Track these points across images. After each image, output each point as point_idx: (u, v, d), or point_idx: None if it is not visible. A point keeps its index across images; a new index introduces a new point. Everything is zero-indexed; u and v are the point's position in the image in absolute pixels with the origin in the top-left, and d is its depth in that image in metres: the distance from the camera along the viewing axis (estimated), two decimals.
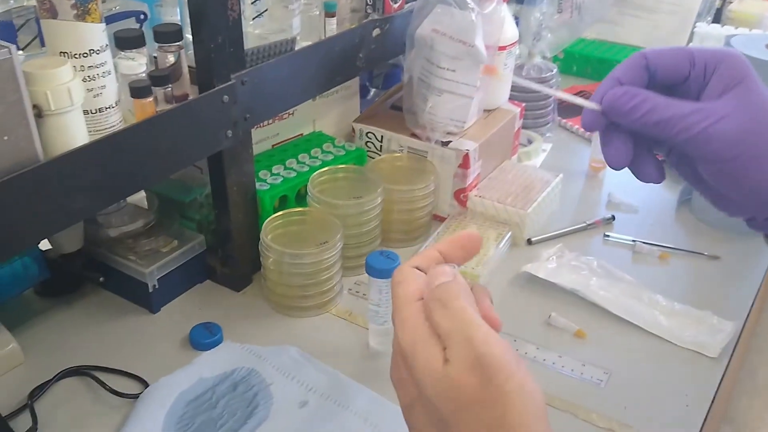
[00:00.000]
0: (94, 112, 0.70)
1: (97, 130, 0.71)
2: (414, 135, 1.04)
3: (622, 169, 0.48)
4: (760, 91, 0.44)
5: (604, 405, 0.76)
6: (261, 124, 0.97)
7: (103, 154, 0.68)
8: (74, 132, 0.67)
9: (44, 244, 0.86)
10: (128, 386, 0.76)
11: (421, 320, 0.39)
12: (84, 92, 0.67)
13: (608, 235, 1.03)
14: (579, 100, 0.49)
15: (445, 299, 0.38)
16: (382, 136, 1.06)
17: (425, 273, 0.42)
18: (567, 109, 1.38)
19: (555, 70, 1.28)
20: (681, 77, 0.47)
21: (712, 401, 0.77)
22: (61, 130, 0.66)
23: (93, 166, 0.67)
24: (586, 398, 0.77)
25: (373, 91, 1.23)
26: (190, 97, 0.78)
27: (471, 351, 0.36)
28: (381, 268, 0.76)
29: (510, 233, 1.00)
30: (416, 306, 0.40)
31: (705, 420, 0.75)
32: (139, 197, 0.84)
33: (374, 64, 1.06)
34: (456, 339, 0.37)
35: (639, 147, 0.49)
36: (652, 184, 0.50)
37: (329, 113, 1.08)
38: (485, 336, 0.37)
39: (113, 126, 0.72)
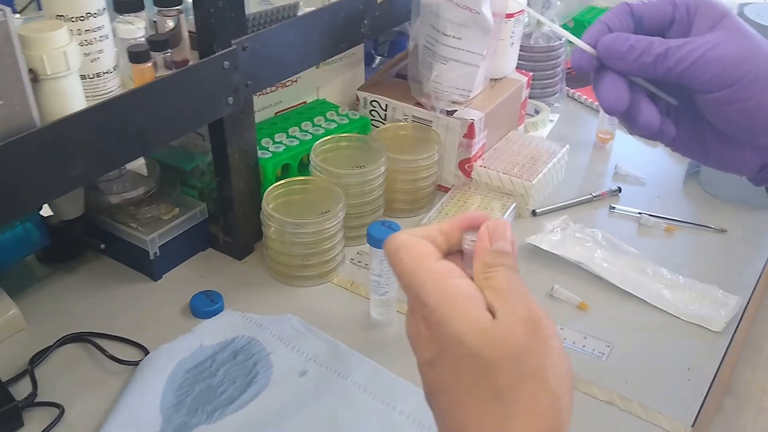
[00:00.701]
0: (91, 76, 0.69)
1: (94, 96, 0.70)
2: (419, 104, 1.02)
3: (619, 112, 0.46)
4: (743, 24, 0.46)
5: (605, 378, 0.75)
6: (264, 92, 0.95)
7: (100, 119, 0.67)
8: (71, 97, 0.66)
9: (46, 210, 0.86)
10: (128, 353, 0.76)
11: (446, 276, 0.39)
12: (81, 56, 0.66)
13: (614, 207, 1.02)
14: (574, 39, 0.48)
15: (512, 266, 0.40)
16: (386, 105, 1.04)
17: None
18: (575, 80, 1.35)
19: (564, 39, 1.26)
20: (666, 21, 0.48)
21: (714, 376, 0.77)
22: (58, 95, 0.65)
23: (90, 132, 0.66)
24: (588, 371, 0.76)
25: (378, 58, 1.22)
26: (190, 63, 0.76)
27: (524, 307, 0.37)
28: (382, 239, 0.75)
29: (514, 204, 0.99)
30: (438, 264, 0.40)
31: (706, 395, 0.75)
32: (139, 164, 0.83)
33: (379, 32, 1.04)
34: (512, 297, 0.38)
35: (634, 93, 0.48)
36: (659, 136, 0.48)
37: (333, 81, 1.06)
38: (536, 305, 0.38)
39: (111, 91, 0.71)
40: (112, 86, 0.71)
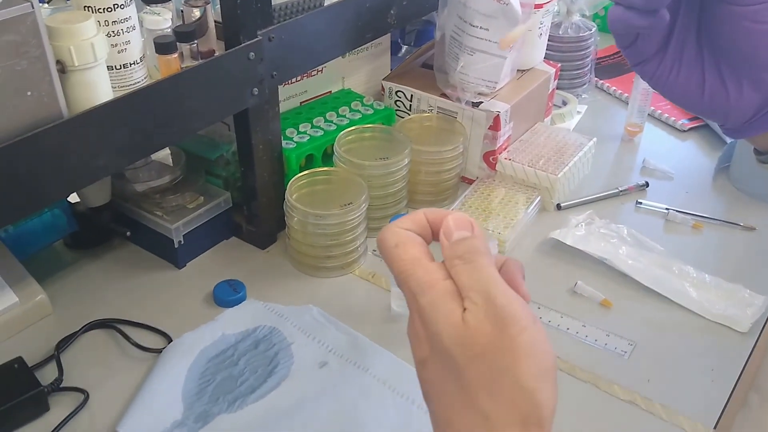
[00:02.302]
0: (118, 68, 0.70)
1: (121, 87, 0.70)
2: (444, 95, 1.01)
3: None
4: None
5: (627, 377, 0.75)
6: (289, 81, 0.95)
7: (127, 110, 0.67)
8: (98, 88, 0.67)
9: (73, 197, 0.87)
10: (152, 340, 0.77)
11: (437, 277, 0.39)
12: (108, 48, 0.66)
13: (641, 203, 1.01)
14: None
15: (468, 256, 0.39)
16: (411, 95, 1.04)
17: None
18: (605, 70, 1.33)
19: (594, 29, 1.24)
20: None
21: (738, 378, 0.76)
22: (85, 86, 0.66)
23: (117, 122, 0.67)
24: (609, 369, 0.76)
25: (404, 48, 1.21)
26: (216, 53, 0.76)
27: (490, 303, 0.37)
28: None
29: (539, 198, 0.98)
30: (431, 266, 0.40)
31: (729, 397, 0.74)
32: (164, 154, 0.84)
33: (406, 21, 1.03)
34: (476, 292, 0.38)
35: None
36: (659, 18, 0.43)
37: (359, 70, 1.06)
38: (504, 291, 0.38)
39: (138, 82, 0.72)
40: (139, 77, 0.72)
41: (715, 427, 0.70)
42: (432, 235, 0.42)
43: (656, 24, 0.42)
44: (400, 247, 0.41)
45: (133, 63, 0.71)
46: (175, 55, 0.73)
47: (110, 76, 0.69)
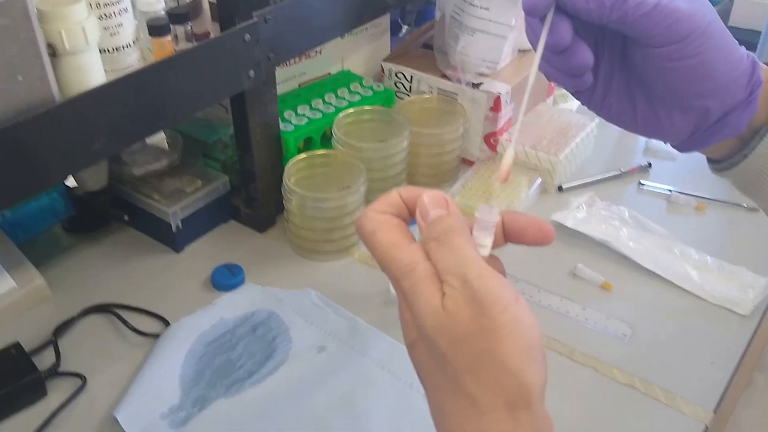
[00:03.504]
0: (111, 51, 0.69)
1: (114, 70, 0.70)
2: (444, 76, 1.00)
3: (564, 46, 0.43)
4: None
5: (626, 360, 0.74)
6: (286, 63, 0.94)
7: (120, 94, 0.67)
8: (90, 72, 0.66)
9: (71, 181, 0.87)
10: (150, 325, 0.77)
11: (417, 260, 0.38)
12: (100, 31, 0.65)
13: (643, 184, 1.00)
14: None
15: (443, 237, 0.38)
16: (411, 77, 1.03)
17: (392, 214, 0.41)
18: None
19: None
20: None
21: (740, 361, 0.75)
22: (77, 70, 0.65)
23: (110, 106, 0.66)
24: (609, 353, 0.75)
25: (405, 28, 1.19)
26: (211, 35, 0.75)
27: (467, 287, 0.36)
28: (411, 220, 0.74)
29: (540, 179, 0.97)
30: (410, 249, 0.39)
31: (730, 381, 0.73)
32: (159, 138, 0.83)
33: (406, 1, 1.02)
34: (452, 275, 0.37)
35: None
36: (582, 81, 0.45)
37: (358, 51, 1.05)
38: (480, 271, 0.37)
39: (131, 66, 0.71)
40: (132, 60, 0.71)
41: (715, 411, 0.70)
42: (409, 213, 0.41)
43: (581, 85, 0.45)
44: (378, 233, 0.40)
45: (126, 46, 0.70)
46: (169, 38, 0.72)
47: (103, 60, 0.68)
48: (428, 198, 0.40)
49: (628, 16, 0.40)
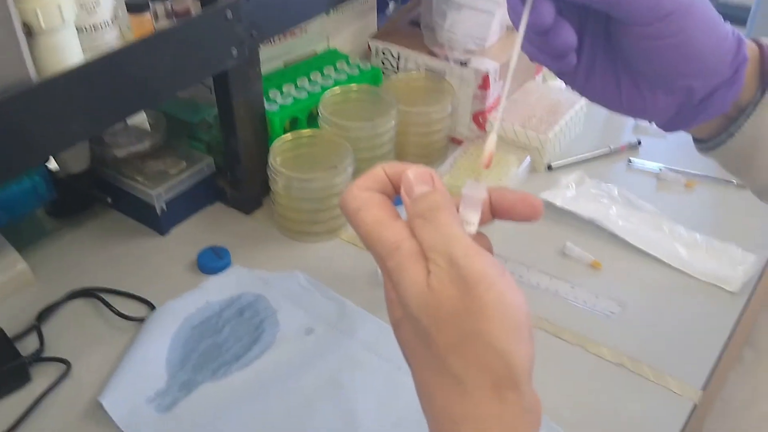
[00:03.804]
0: (88, 29, 0.68)
1: (92, 49, 0.68)
2: (432, 53, 0.99)
3: (546, 27, 0.41)
4: None
5: (615, 339, 0.74)
6: (271, 42, 0.93)
7: (99, 74, 0.65)
8: (67, 51, 0.65)
9: (53, 164, 0.85)
10: (135, 309, 0.76)
11: (402, 237, 0.38)
12: (76, 9, 0.64)
13: (632, 161, 0.99)
14: None
15: (428, 214, 0.38)
16: (398, 54, 1.01)
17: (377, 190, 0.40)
18: None
19: None
20: None
21: (728, 338, 0.75)
22: (54, 50, 0.64)
23: (88, 86, 0.65)
24: (598, 331, 0.75)
25: (392, 4, 1.17)
26: (192, 13, 0.74)
27: (453, 265, 0.36)
28: (396, 196, 0.73)
29: (529, 158, 0.96)
30: (395, 226, 0.38)
31: (719, 358, 0.73)
32: (141, 119, 0.82)
33: None
34: (438, 253, 0.36)
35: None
36: (565, 62, 0.44)
37: (344, 29, 1.03)
38: (466, 249, 0.36)
39: (109, 44, 0.69)
40: (110, 39, 0.69)
41: (704, 388, 0.70)
42: (394, 189, 0.40)
43: (564, 66, 0.44)
44: (362, 211, 0.39)
45: (104, 24, 0.68)
46: (148, 15, 0.70)
47: (80, 39, 0.66)
48: (413, 174, 0.39)
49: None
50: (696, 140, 0.50)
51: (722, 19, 0.43)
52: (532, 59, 0.44)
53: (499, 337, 0.35)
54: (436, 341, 0.36)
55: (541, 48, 0.43)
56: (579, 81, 0.46)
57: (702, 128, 0.48)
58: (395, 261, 0.37)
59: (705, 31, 0.41)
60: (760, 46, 0.45)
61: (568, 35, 0.42)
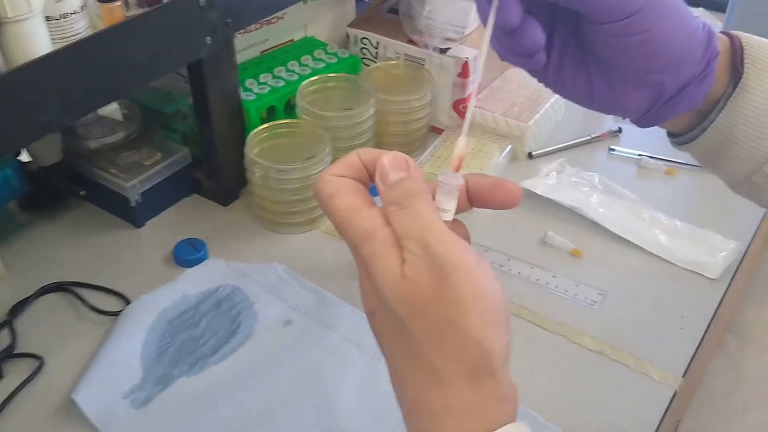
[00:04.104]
0: (57, 18, 0.66)
1: (61, 38, 0.66)
2: (411, 41, 0.98)
3: (512, 26, 0.40)
4: None
5: (596, 327, 0.74)
6: (247, 29, 0.91)
7: (68, 63, 0.64)
8: (36, 40, 0.63)
9: (25, 156, 0.83)
10: (109, 303, 0.75)
11: (376, 225, 0.37)
12: None
13: (613, 149, 0.99)
14: None
15: (403, 201, 0.37)
16: (377, 43, 1.00)
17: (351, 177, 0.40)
18: None
19: None
20: None
21: (709, 325, 0.75)
22: (22, 39, 0.62)
23: (57, 76, 0.63)
24: (579, 320, 0.74)
25: None
26: (164, 0, 0.72)
27: (427, 253, 0.35)
28: (372, 185, 0.72)
29: (510, 146, 0.95)
30: (369, 214, 0.38)
31: (699, 345, 0.73)
32: (112, 109, 0.80)
33: None
34: (412, 241, 0.36)
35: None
36: (534, 60, 0.43)
37: (322, 17, 1.02)
38: (441, 237, 0.35)
39: (79, 33, 0.67)
40: (80, 27, 0.68)
41: (684, 375, 0.70)
42: (370, 177, 0.40)
43: (533, 65, 0.43)
44: (336, 197, 0.38)
45: (73, 12, 0.67)
46: (119, 3, 0.69)
47: (49, 27, 0.65)
48: (388, 160, 0.38)
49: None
50: (670, 134, 0.49)
51: (692, 13, 0.42)
52: (501, 58, 0.43)
53: (474, 325, 0.35)
54: (412, 330, 0.36)
55: (509, 47, 0.42)
56: (549, 78, 0.45)
57: (675, 123, 0.47)
58: (369, 249, 0.37)
59: (674, 26, 0.41)
60: (730, 38, 0.45)
61: (536, 34, 0.41)
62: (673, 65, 0.42)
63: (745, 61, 0.44)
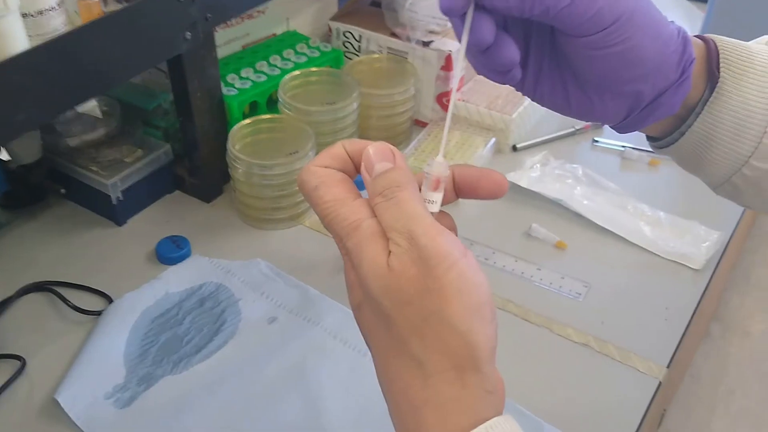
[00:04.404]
0: (34, 14, 0.64)
1: (38, 35, 0.65)
2: (394, 34, 0.97)
3: (487, 45, 0.40)
4: None
5: (581, 319, 0.74)
6: (228, 24, 0.90)
7: (45, 61, 0.63)
8: (12, 38, 0.62)
9: (4, 155, 0.82)
10: (92, 302, 0.74)
11: (362, 216, 0.37)
12: None
13: (597, 141, 0.99)
14: None
15: (388, 192, 0.37)
16: (360, 36, 0.99)
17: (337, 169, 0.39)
18: None
19: None
20: None
21: (692, 315, 0.75)
22: None
23: (35, 74, 0.62)
24: (563, 312, 0.75)
25: None
26: None
27: (413, 244, 0.35)
28: (357, 180, 0.72)
29: (494, 139, 0.95)
30: (355, 205, 0.37)
31: (683, 335, 0.73)
32: (91, 106, 0.79)
33: None
34: (398, 232, 0.35)
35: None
36: (510, 76, 0.43)
37: (304, 11, 1.01)
38: (427, 228, 0.35)
39: (56, 30, 0.66)
40: (57, 24, 0.66)
41: (668, 366, 0.70)
42: (355, 168, 0.39)
43: (509, 81, 0.43)
44: (321, 188, 0.38)
45: (50, 9, 0.65)
46: None
47: (25, 24, 0.63)
48: (374, 150, 0.38)
49: (550, 9, 0.38)
50: (650, 138, 0.50)
51: (667, 20, 0.42)
52: (477, 72, 0.43)
53: (460, 317, 0.35)
54: (397, 323, 0.36)
55: (483, 64, 0.42)
56: (527, 89, 0.45)
57: (654, 127, 0.47)
58: (355, 241, 0.36)
59: (649, 36, 0.40)
60: (705, 42, 0.45)
61: (511, 52, 0.41)
62: (649, 74, 0.42)
63: (721, 65, 0.44)
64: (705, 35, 0.46)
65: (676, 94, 0.43)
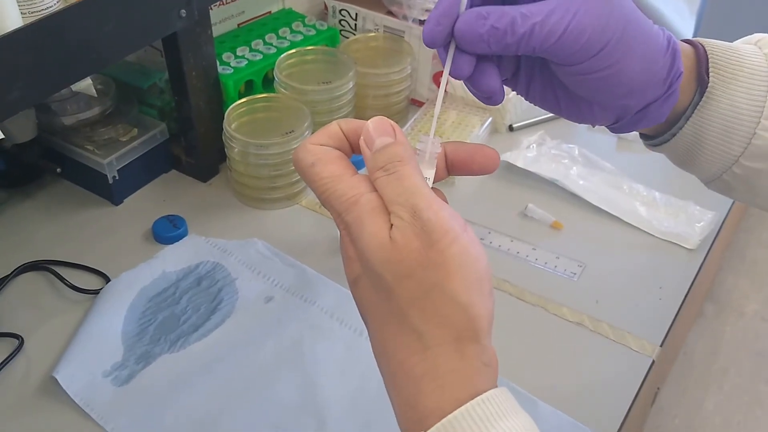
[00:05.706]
0: None
1: (31, 12, 0.64)
2: (390, 13, 0.97)
3: (465, 77, 0.41)
4: None
5: (576, 299, 0.74)
6: (223, 1, 0.90)
7: (38, 38, 0.62)
8: (5, 15, 0.61)
9: None
10: (89, 281, 0.75)
11: (361, 191, 0.37)
12: None
13: None
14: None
15: (390, 166, 0.37)
16: (356, 14, 0.99)
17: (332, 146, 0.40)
18: None
19: None
20: None
21: (686, 295, 0.76)
22: None
23: (28, 52, 0.62)
24: (558, 292, 0.75)
25: None
26: None
27: (416, 218, 0.35)
28: (354, 159, 0.72)
29: (490, 119, 0.95)
30: (353, 180, 0.38)
31: (677, 314, 0.74)
32: (86, 85, 0.79)
33: None
34: (400, 206, 0.36)
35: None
36: (492, 100, 0.43)
37: None
38: (429, 202, 0.36)
39: (50, 7, 0.66)
40: (50, 1, 0.66)
41: (662, 345, 0.71)
42: (351, 147, 0.40)
43: (493, 102, 0.43)
44: (318, 165, 0.38)
45: None
46: None
47: (18, 2, 0.63)
48: (373, 125, 0.38)
49: (536, 49, 0.39)
50: (642, 136, 0.50)
51: (657, 33, 0.42)
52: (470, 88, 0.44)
53: (461, 290, 0.35)
54: (398, 295, 0.36)
55: (467, 86, 0.42)
56: (520, 91, 0.46)
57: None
58: (354, 215, 0.37)
59: (638, 55, 0.41)
60: (694, 47, 0.46)
61: (490, 82, 0.41)
62: (636, 92, 0.42)
63: (711, 70, 0.45)
64: (694, 39, 0.47)
65: (663, 105, 0.44)
